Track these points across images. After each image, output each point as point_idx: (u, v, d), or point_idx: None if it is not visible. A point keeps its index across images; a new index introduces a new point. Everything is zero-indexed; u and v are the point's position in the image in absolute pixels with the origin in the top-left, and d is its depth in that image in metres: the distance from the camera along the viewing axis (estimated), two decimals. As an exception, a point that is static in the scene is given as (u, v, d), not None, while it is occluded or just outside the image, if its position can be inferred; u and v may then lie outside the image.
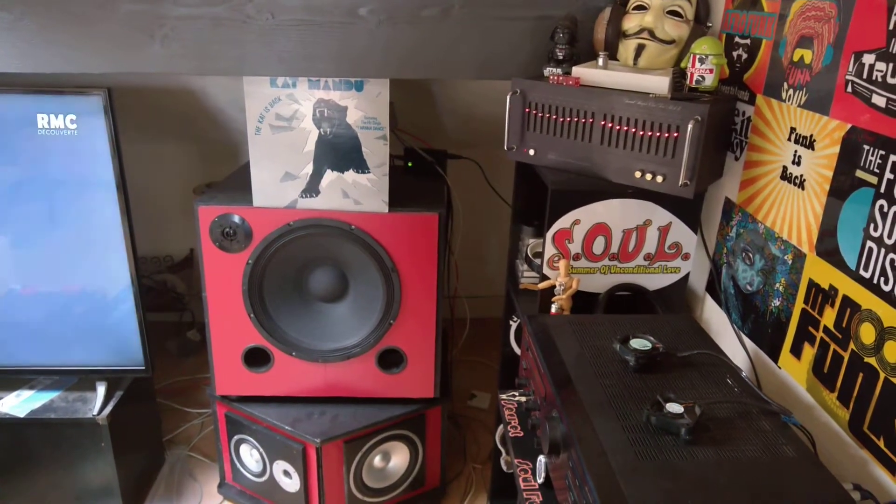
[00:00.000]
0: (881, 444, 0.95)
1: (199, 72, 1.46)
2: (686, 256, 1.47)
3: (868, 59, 0.97)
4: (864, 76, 0.97)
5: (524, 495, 1.13)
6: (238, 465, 1.94)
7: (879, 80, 0.94)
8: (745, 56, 1.33)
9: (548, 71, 1.43)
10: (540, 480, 1.14)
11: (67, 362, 1.79)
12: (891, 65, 0.92)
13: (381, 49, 1.46)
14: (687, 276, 1.50)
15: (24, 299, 1.72)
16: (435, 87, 2.22)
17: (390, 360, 1.82)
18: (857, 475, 1.00)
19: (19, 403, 1.78)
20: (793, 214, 1.17)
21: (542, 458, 1.13)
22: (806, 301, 1.12)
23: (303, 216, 1.64)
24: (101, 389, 1.80)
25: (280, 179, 1.62)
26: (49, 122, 1.56)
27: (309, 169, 1.61)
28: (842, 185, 1.03)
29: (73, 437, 1.77)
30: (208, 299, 1.73)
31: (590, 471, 0.87)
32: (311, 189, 1.63)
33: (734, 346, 1.36)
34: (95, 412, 1.76)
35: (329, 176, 1.62)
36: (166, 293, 2.75)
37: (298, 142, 1.58)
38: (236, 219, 1.64)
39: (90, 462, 1.80)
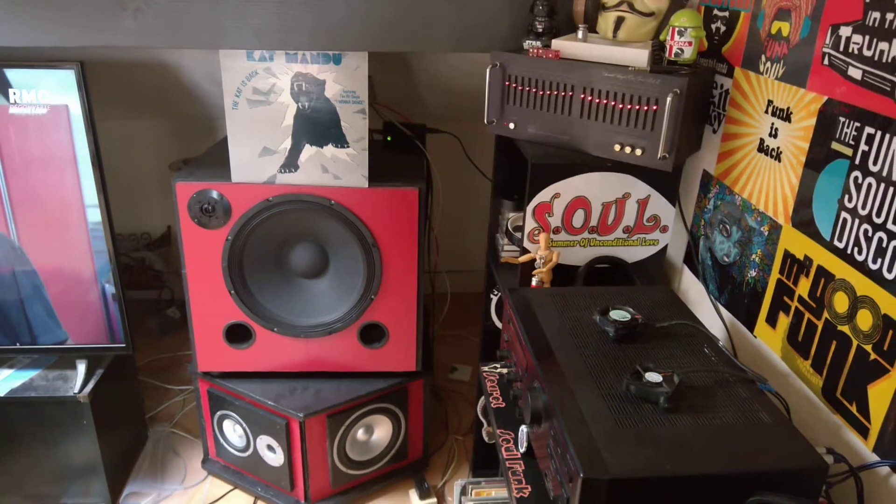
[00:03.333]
0: (853, 409, 0.97)
1: (173, 45, 1.43)
2: (664, 229, 1.49)
3: (845, 31, 0.98)
4: (841, 49, 0.98)
5: (507, 464, 1.15)
6: (221, 440, 1.95)
7: (856, 52, 0.95)
8: (723, 28, 1.33)
9: (527, 44, 1.42)
10: (522, 450, 1.16)
11: (47, 341, 1.77)
12: (867, 37, 0.93)
13: (359, 21, 1.44)
14: (665, 248, 1.51)
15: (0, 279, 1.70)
16: (413, 60, 2.20)
17: (372, 334, 1.83)
18: (829, 440, 1.03)
19: (-2, 383, 1.77)
20: (769, 186, 1.18)
21: (523, 428, 1.15)
22: (781, 271, 1.14)
23: (282, 191, 1.63)
24: (82, 368, 1.79)
25: (258, 155, 1.60)
26: (21, 97, 1.52)
27: (287, 144, 1.60)
28: (817, 157, 1.05)
29: (54, 416, 1.76)
30: (188, 276, 1.72)
31: (571, 439, 0.88)
32: (290, 164, 1.61)
33: (711, 317, 1.38)
34: (77, 390, 1.75)
35: (308, 151, 1.60)
36: (145, 271, 2.72)
37: (276, 116, 1.57)
38: (215, 195, 1.62)
39: (73, 440, 1.80)
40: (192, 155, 2.45)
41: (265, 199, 1.63)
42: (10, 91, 1.52)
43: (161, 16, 1.40)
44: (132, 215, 2.70)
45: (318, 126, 1.58)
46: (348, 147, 1.60)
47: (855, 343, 0.97)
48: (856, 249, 0.96)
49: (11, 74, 1.51)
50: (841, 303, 1.00)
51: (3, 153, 1.58)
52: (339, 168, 1.62)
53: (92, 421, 1.77)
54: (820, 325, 1.05)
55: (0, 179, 1.60)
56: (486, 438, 1.74)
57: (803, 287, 1.09)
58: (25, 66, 1.51)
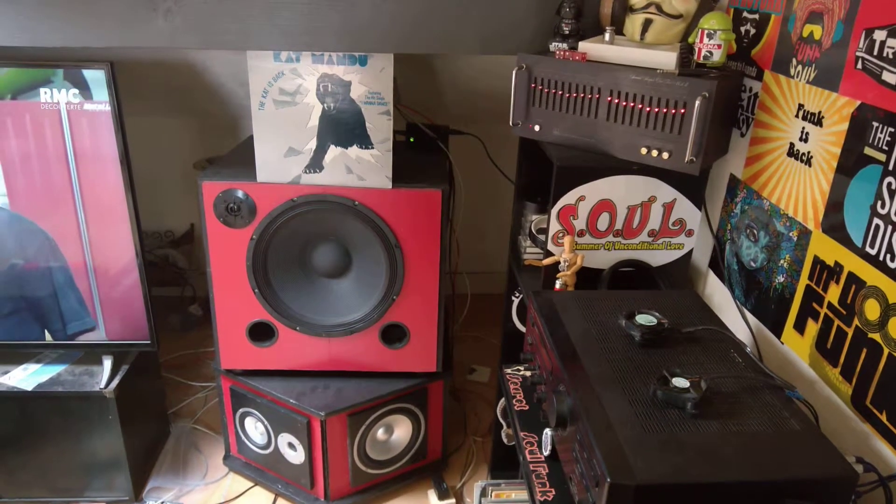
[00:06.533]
0: (883, 418, 0.96)
1: (202, 46, 1.45)
2: (690, 233, 1.48)
3: (879, 35, 0.97)
4: (875, 53, 0.97)
5: (530, 467, 1.15)
6: (243, 437, 1.97)
7: (891, 56, 0.94)
8: (753, 31, 1.32)
9: (554, 46, 1.42)
10: (546, 453, 1.16)
11: (73, 336, 1.80)
12: (902, 41, 0.92)
13: (386, 23, 1.45)
14: (690, 252, 1.50)
15: (28, 274, 1.72)
16: (437, 61, 2.20)
17: (393, 334, 1.84)
18: (858, 448, 1.02)
19: (26, 377, 1.79)
20: (799, 191, 1.17)
21: (548, 431, 1.15)
22: (810, 277, 1.13)
23: (306, 192, 1.64)
24: (108, 363, 1.81)
25: (284, 155, 1.61)
26: (52, 97, 1.55)
27: (313, 144, 1.60)
28: (849, 162, 1.04)
29: (80, 410, 1.79)
30: (213, 275, 1.73)
31: (597, 443, 0.88)
32: (315, 164, 1.62)
33: (737, 322, 1.37)
34: (102, 385, 1.77)
35: (333, 151, 1.61)
36: (168, 268, 2.75)
37: (302, 117, 1.58)
38: (240, 194, 1.64)
39: (97, 435, 1.82)
40: (215, 154, 2.47)
41: (290, 199, 1.64)
42: (82, 91, 1.56)
43: (191, 17, 1.41)
44: (155, 213, 2.73)
45: (343, 127, 1.59)
46: (373, 148, 1.61)
47: (886, 351, 0.96)
48: (888, 256, 0.95)
49: (88, 74, 1.55)
50: (872, 310, 0.98)
51: (76, 149, 1.61)
52: (364, 169, 1.63)
53: (117, 416, 1.79)
54: (850, 332, 1.03)
55: (73, 174, 1.63)
56: (505, 440, 1.74)
57: (833, 294, 1.07)
58: (56, 67, 1.53)
